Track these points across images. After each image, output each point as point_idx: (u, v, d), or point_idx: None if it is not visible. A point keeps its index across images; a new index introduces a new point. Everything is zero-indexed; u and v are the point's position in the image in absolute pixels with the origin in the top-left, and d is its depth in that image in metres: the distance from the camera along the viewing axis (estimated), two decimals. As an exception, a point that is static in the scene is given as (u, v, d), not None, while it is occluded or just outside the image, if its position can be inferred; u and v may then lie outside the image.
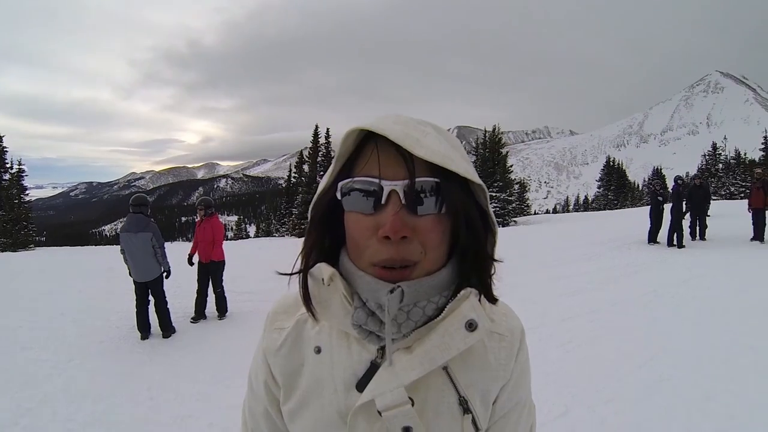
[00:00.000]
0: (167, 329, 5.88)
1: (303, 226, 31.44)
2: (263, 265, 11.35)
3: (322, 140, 34.23)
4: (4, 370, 4.80)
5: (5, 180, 26.66)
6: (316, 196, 0.71)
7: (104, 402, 4.08)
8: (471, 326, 0.66)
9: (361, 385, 0.68)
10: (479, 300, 0.69)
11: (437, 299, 0.67)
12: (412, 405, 0.66)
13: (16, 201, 26.37)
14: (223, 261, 6.76)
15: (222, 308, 6.70)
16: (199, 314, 6.61)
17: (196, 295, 6.65)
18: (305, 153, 35.30)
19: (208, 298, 6.69)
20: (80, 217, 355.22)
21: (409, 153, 0.61)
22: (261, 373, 0.81)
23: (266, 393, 0.80)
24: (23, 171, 27.30)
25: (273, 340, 0.79)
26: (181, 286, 7.56)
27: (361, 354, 0.71)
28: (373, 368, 0.69)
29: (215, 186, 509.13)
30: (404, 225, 0.61)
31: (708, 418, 3.37)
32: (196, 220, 6.93)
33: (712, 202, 12.46)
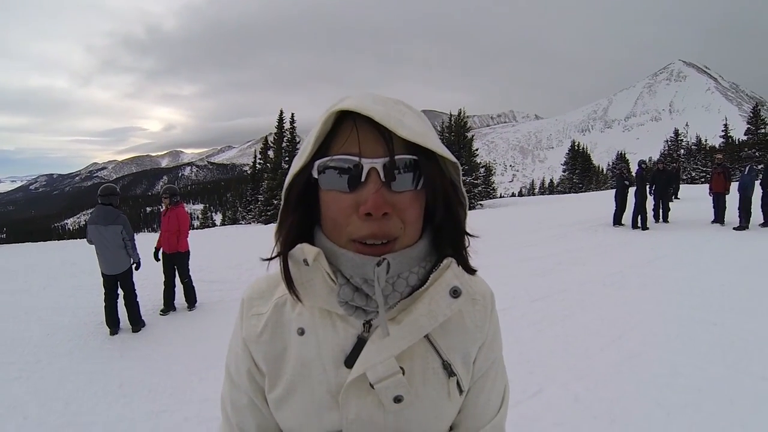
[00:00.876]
0: (137, 323, 5.75)
1: (270, 212, 31.14)
2: (231, 253, 11.24)
3: (287, 125, 33.94)
4: (-32, 375, 4.62)
5: None
6: (290, 176, 0.70)
7: (76, 402, 3.97)
8: (455, 293, 0.69)
9: (350, 360, 0.69)
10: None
11: (417, 270, 0.69)
12: (403, 374, 0.68)
13: None
14: (188, 251, 6.64)
15: (191, 299, 6.58)
16: (168, 306, 6.49)
17: (163, 287, 6.53)
18: (270, 139, 34.92)
19: (176, 289, 6.58)
20: (42, 211, 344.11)
21: (388, 131, 0.62)
22: (243, 362, 0.79)
23: (250, 383, 0.78)
24: None
25: (252, 326, 0.78)
26: (148, 278, 7.38)
27: (347, 330, 0.71)
28: (360, 343, 0.70)
29: (180, 174, 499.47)
30: (385, 201, 0.62)
31: (676, 392, 3.50)
32: (162, 210, 6.75)
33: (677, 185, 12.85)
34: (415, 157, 0.64)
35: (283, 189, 0.71)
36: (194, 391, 4.07)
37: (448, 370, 0.72)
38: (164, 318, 6.29)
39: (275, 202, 31.55)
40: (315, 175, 0.67)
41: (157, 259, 6.54)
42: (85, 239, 5.82)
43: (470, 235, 0.74)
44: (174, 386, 4.19)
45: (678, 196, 13.63)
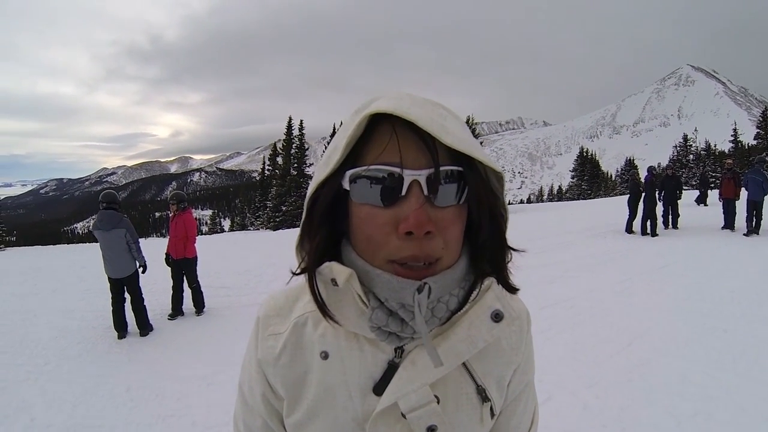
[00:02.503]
0: (144, 327, 5.77)
1: (278, 219, 31.16)
2: (239, 259, 11.28)
3: (296, 132, 34.05)
4: (-23, 376, 4.66)
5: None
6: (314, 185, 0.63)
7: (83, 405, 3.99)
8: (497, 317, 0.64)
9: (380, 388, 0.64)
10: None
11: (457, 292, 0.64)
12: (438, 402, 0.64)
13: None
14: (196, 257, 6.66)
15: (199, 304, 6.59)
16: (176, 311, 6.50)
17: (171, 292, 6.55)
18: (279, 145, 35.07)
19: (184, 294, 6.60)
20: (51, 215, 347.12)
21: (432, 138, 0.56)
22: (257, 385, 0.74)
23: (265, 406, 0.74)
24: None
25: (269, 348, 0.72)
26: (156, 282, 7.43)
27: (376, 356, 0.66)
28: (391, 369, 0.65)
29: (189, 180, 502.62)
30: (428, 218, 0.56)
31: (687, 400, 3.46)
32: (170, 215, 6.76)
33: (683, 191, 12.76)
34: (460, 168, 0.58)
35: (306, 199, 0.65)
36: (202, 395, 4.07)
37: (483, 396, 0.68)
38: (172, 323, 6.30)
39: (283, 208, 31.62)
40: (346, 186, 0.60)
41: (169, 264, 6.56)
42: (94, 243, 5.88)
43: (513, 250, 0.68)
44: (181, 391, 4.19)
45: (706, 203, 13.49)
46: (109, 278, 5.71)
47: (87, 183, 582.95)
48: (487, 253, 0.67)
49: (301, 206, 32.87)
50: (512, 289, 0.68)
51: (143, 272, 5.91)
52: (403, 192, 0.57)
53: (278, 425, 0.74)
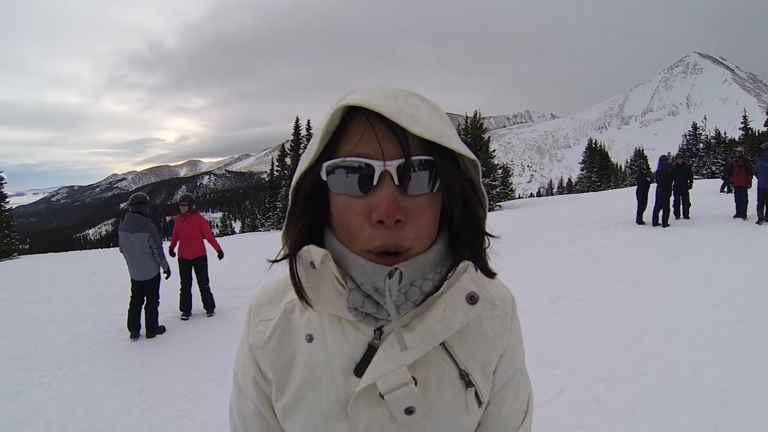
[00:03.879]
0: (152, 330, 5.82)
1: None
2: (250, 260, 11.30)
3: (303, 132, 34.15)
4: (-7, 381, 4.72)
5: None
6: (296, 177, 0.66)
7: (97, 408, 4.02)
8: (472, 299, 0.65)
9: (360, 369, 0.66)
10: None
11: (432, 276, 0.64)
12: (415, 384, 0.64)
13: None
14: (206, 256, 6.72)
15: (210, 305, 6.63)
16: (188, 311, 6.58)
17: (180, 293, 6.60)
18: (287, 146, 35.19)
19: (192, 295, 6.66)
20: (63, 222, 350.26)
21: (402, 129, 0.57)
22: (249, 370, 0.77)
23: (256, 391, 0.76)
24: (2, 178, 26.76)
25: (259, 333, 0.75)
26: (167, 284, 7.46)
27: (357, 337, 0.67)
28: (371, 351, 0.66)
29: (198, 183, 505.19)
30: (398, 207, 0.57)
31: (701, 392, 3.42)
32: (179, 215, 6.80)
33: (694, 180, 12.62)
34: (430, 157, 0.59)
35: (291, 189, 0.68)
36: (213, 396, 4.09)
37: (466, 381, 0.68)
38: (183, 324, 6.34)
39: None
40: (324, 177, 0.62)
41: (173, 255, 6.63)
42: (106, 249, 5.95)
43: (490, 236, 0.69)
44: (193, 392, 4.22)
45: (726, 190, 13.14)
46: (132, 280, 5.82)
47: (98, 189, 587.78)
48: (463, 239, 0.67)
49: None
50: (490, 273, 0.69)
51: (167, 278, 6.01)
52: (375, 182, 0.58)
53: (269, 411, 0.76)
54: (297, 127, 34.09)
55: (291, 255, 0.68)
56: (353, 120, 0.61)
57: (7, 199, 27.27)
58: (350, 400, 0.65)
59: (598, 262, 8.16)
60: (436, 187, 0.61)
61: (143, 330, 5.85)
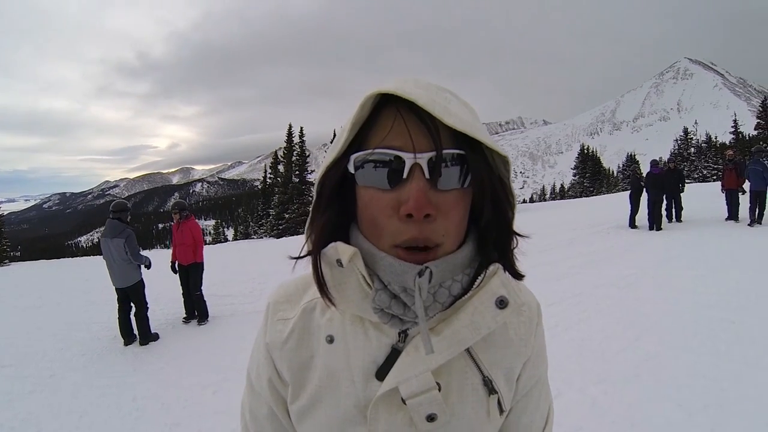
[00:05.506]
0: (145, 337, 5.77)
1: (282, 227, 31.24)
2: (243, 267, 11.29)
3: (296, 140, 34.09)
4: (-17, 389, 4.66)
5: None
6: (323, 169, 0.64)
7: (90, 416, 3.98)
8: (502, 303, 0.63)
9: (382, 373, 0.64)
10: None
11: (461, 277, 0.62)
12: (439, 390, 0.62)
13: None
14: (202, 263, 6.69)
15: (202, 313, 6.57)
16: (190, 314, 6.59)
17: (183, 298, 6.62)
18: (280, 153, 35.11)
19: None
20: (55, 229, 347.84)
21: (434, 122, 0.56)
22: (264, 370, 0.75)
23: (271, 392, 0.74)
24: None
25: (277, 332, 0.73)
26: (161, 292, 7.45)
27: (380, 340, 0.65)
28: (394, 354, 0.64)
29: (191, 191, 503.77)
30: (428, 201, 0.56)
31: (697, 393, 3.43)
32: (173, 224, 6.81)
33: (686, 184, 12.71)
34: (461, 151, 0.57)
35: (315, 182, 0.66)
36: (208, 404, 4.06)
37: (489, 387, 0.66)
38: (177, 331, 6.29)
39: (286, 216, 31.70)
40: (351, 169, 0.60)
41: (175, 271, 6.61)
42: (98, 256, 5.95)
43: (519, 235, 0.66)
44: (187, 399, 4.18)
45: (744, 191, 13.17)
46: (115, 287, 5.77)
47: (90, 196, 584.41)
48: (492, 239, 0.65)
49: (304, 213, 32.85)
50: (518, 275, 0.67)
51: (148, 267, 5.96)
52: (405, 175, 0.57)
53: (283, 413, 0.75)
54: (290, 134, 34.00)
55: (315, 252, 0.65)
56: (383, 111, 0.59)
57: None
58: (370, 404, 0.64)
59: (593, 266, 8.18)
60: (467, 182, 0.59)
61: (138, 337, 5.81)
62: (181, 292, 6.64)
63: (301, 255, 0.67)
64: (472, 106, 0.63)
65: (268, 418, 0.76)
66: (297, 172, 33.61)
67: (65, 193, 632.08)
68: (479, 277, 0.64)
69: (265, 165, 39.10)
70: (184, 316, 6.60)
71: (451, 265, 0.61)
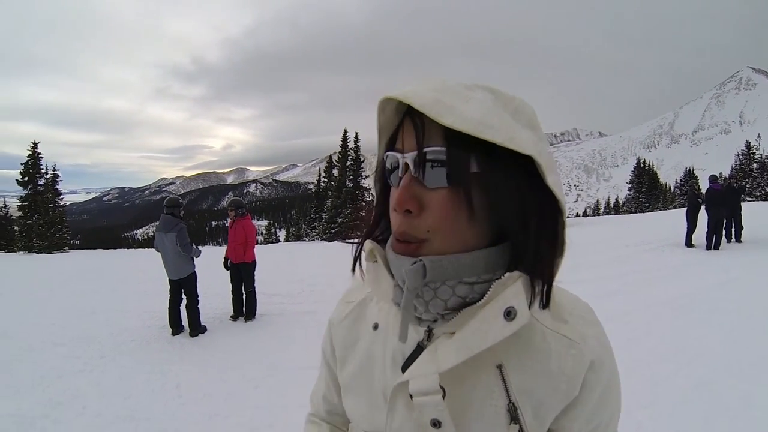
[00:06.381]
0: (195, 328, 5.95)
1: (334, 230, 31.67)
2: (293, 268, 11.50)
3: (351, 144, 34.45)
4: (38, 365, 4.95)
5: (41, 185, 27.61)
6: (376, 171, 0.71)
7: (134, 398, 4.14)
8: (509, 314, 0.58)
9: (406, 366, 0.66)
10: (534, 288, 0.60)
11: (472, 280, 0.60)
12: (443, 397, 0.60)
13: (51, 205, 27.38)
14: (255, 262, 6.77)
15: (251, 310, 6.69)
16: (238, 312, 6.70)
17: (232, 296, 6.72)
18: (334, 157, 35.51)
19: (243, 297, 6.76)
20: (113, 221, 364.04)
21: (422, 121, 0.58)
22: (326, 342, 0.86)
23: (325, 362, 0.88)
24: (58, 176, 28.33)
25: (340, 311, 0.83)
26: (212, 286, 7.61)
27: (411, 334, 0.67)
28: (418, 350, 0.66)
29: (245, 191, 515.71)
30: (410, 198, 0.58)
31: (750, 425, 3.24)
32: (228, 222, 6.94)
33: (746, 203, 12.04)
34: (443, 148, 0.56)
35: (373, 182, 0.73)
36: (249, 398, 4.14)
37: (512, 415, 0.62)
38: (225, 326, 6.42)
39: (339, 220, 32.08)
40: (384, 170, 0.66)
41: (227, 268, 6.71)
42: (153, 249, 6.18)
43: (558, 251, 0.61)
44: (229, 392, 4.27)
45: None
46: (168, 279, 5.98)
47: (147, 192, 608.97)
48: (519, 248, 0.61)
49: (357, 218, 33.08)
50: (545, 297, 0.61)
51: (197, 256, 6.13)
52: (400, 173, 0.61)
53: (334, 383, 0.87)
54: (345, 139, 34.35)
55: (358, 245, 0.72)
56: (408, 114, 0.62)
57: (61, 196, 28.90)
58: (389, 392, 0.66)
59: (645, 284, 7.87)
60: (452, 180, 0.57)
61: (186, 329, 6.01)
62: (231, 288, 6.72)
63: (346, 240, 0.75)
64: (520, 103, 0.61)
65: (328, 388, 0.89)
66: (351, 177, 33.93)
67: (124, 187, 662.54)
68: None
69: (320, 169, 39.69)
70: (232, 313, 6.71)
71: (455, 264, 0.60)
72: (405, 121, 0.61)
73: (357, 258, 0.71)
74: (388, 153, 0.64)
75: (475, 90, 0.59)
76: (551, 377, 0.63)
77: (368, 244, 0.68)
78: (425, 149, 0.58)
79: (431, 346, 0.63)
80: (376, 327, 0.74)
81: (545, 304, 0.61)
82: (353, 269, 0.71)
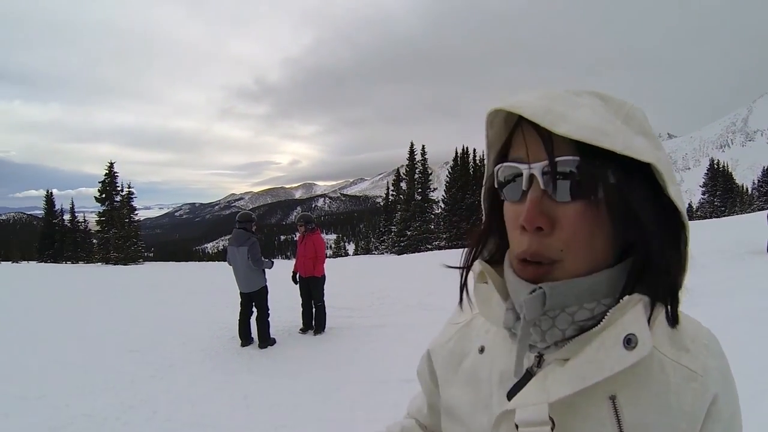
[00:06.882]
0: (264, 340, 6.06)
1: (403, 243, 31.92)
2: (362, 282, 11.55)
3: (418, 157, 34.72)
4: (111, 369, 5.22)
5: (117, 201, 29.88)
6: (484, 188, 0.68)
7: (202, 406, 4.26)
8: (629, 342, 0.53)
9: (513, 392, 0.61)
10: (652, 312, 0.56)
11: (593, 306, 0.57)
12: (552, 429, 0.55)
13: (127, 220, 29.84)
14: (324, 276, 6.79)
15: (320, 323, 6.71)
16: (307, 325, 6.76)
17: (302, 309, 6.78)
18: (402, 171, 35.78)
19: (313, 311, 6.78)
20: (184, 235, 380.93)
21: (548, 131, 0.52)
22: (426, 365, 0.83)
23: (424, 385, 0.86)
24: (132, 193, 30.65)
25: (444, 333, 0.81)
26: (281, 300, 7.68)
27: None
28: (527, 376, 0.61)
29: (313, 205, 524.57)
30: (540, 214, 0.54)
31: None
32: (297, 236, 7.01)
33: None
34: (577, 158, 0.53)
35: (481, 199, 0.69)
36: (315, 411, 4.15)
37: None
38: (294, 339, 6.48)
39: (408, 233, 32.35)
40: (496, 185, 0.61)
41: (296, 282, 6.81)
42: (222, 262, 6.40)
43: (680, 265, 0.58)
44: (296, 404, 4.30)
45: None
46: (240, 292, 6.13)
47: (216, 207, 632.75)
48: (641, 267, 0.56)
49: (425, 231, 33.08)
50: (672, 320, 0.58)
51: (270, 268, 6.24)
52: (524, 186, 0.56)
53: (432, 406, 0.85)
54: (412, 152, 34.67)
55: (463, 266, 0.69)
56: (516, 126, 0.60)
57: (136, 212, 31.33)
58: (494, 419, 0.62)
59: (725, 295, 7.36)
60: (585, 193, 0.54)
61: (255, 340, 6.13)
62: (301, 302, 6.78)
63: (451, 266, 0.72)
64: (632, 109, 0.57)
65: (423, 408, 0.88)
66: (419, 190, 34.29)
67: (194, 203, 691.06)
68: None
69: (388, 182, 40.19)
70: (301, 326, 6.77)
71: (576, 289, 0.56)
72: (524, 131, 0.57)
73: (464, 286, 0.68)
74: (502, 164, 0.59)
75: (584, 96, 0.57)
76: (669, 413, 0.56)
77: (478, 264, 0.66)
78: (558, 159, 0.53)
79: (541, 373, 0.59)
80: (482, 350, 0.70)
81: (673, 323, 0.58)
82: (460, 298, 0.69)
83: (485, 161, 0.65)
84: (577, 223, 0.54)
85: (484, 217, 0.69)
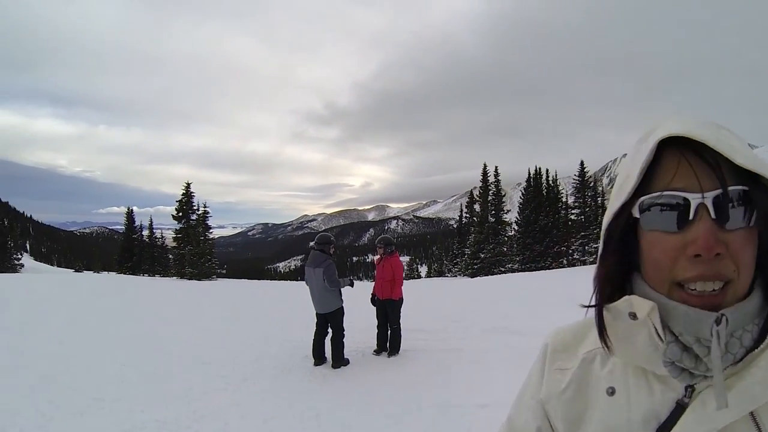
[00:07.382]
0: (338, 361, 5.93)
1: (476, 266, 31.65)
2: (436, 304, 11.43)
3: (491, 179, 34.53)
4: (186, 380, 5.24)
5: (193, 220, 31.71)
6: (609, 216, 0.63)
7: (273, 422, 4.15)
8: None
9: (664, 429, 0.58)
10: None
11: (751, 327, 0.57)
12: None
13: (202, 238, 31.63)
14: (401, 299, 6.66)
15: (395, 346, 6.54)
16: (381, 347, 6.63)
17: (377, 330, 6.65)
18: (475, 193, 35.68)
19: (389, 333, 6.65)
20: (257, 254, 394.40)
21: (716, 160, 0.54)
22: (534, 419, 0.74)
23: None
24: (208, 212, 32.55)
25: (555, 382, 0.73)
26: (356, 321, 7.57)
27: (665, 393, 0.61)
28: (678, 410, 0.59)
29: (386, 227, 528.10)
30: (717, 241, 0.53)
31: None
32: (375, 258, 6.94)
33: None
34: (746, 188, 0.54)
35: (602, 230, 0.65)
36: (387, 432, 3.98)
37: None
38: (368, 361, 6.33)
39: (482, 255, 32.07)
40: (636, 214, 0.60)
41: (374, 304, 6.70)
42: (294, 281, 6.39)
43: None
44: (368, 426, 4.11)
45: None
46: (316, 312, 6.08)
47: (289, 228, 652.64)
48: None
49: (499, 254, 32.85)
50: None
51: (351, 286, 6.23)
52: (691, 216, 0.55)
53: None
54: (485, 173, 34.62)
55: (599, 303, 0.65)
56: (665, 152, 0.58)
57: (211, 230, 33.23)
58: None
59: None
60: (753, 221, 0.56)
61: (328, 360, 6.01)
62: (376, 324, 6.66)
63: (590, 305, 0.67)
64: (744, 139, 0.60)
65: None
66: (493, 212, 34.10)
67: (267, 223, 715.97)
68: None
69: (461, 204, 40.34)
70: (375, 348, 6.63)
71: (743, 314, 0.57)
72: (690, 160, 0.56)
73: (601, 326, 0.65)
74: (662, 193, 0.57)
75: (722, 128, 0.58)
76: None
77: (644, 303, 0.59)
78: (729, 188, 0.54)
79: (696, 403, 0.58)
80: (612, 392, 0.65)
81: None
82: (602, 340, 0.66)
83: (625, 188, 0.60)
84: (742, 250, 0.55)
85: (611, 248, 0.64)
